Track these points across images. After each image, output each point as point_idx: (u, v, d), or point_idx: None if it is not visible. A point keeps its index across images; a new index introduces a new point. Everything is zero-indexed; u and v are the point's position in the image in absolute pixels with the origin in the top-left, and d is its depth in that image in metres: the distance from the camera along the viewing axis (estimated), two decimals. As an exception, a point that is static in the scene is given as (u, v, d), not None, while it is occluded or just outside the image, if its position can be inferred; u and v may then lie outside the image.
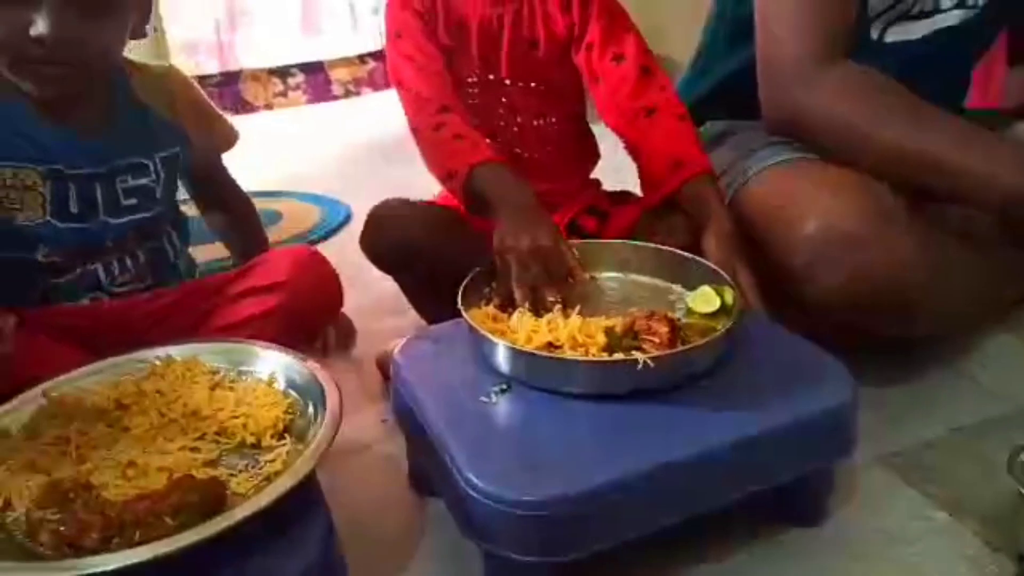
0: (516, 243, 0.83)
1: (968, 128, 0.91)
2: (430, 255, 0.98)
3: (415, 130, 0.99)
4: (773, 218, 0.93)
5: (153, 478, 0.65)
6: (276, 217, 1.84)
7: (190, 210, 1.10)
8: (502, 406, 0.73)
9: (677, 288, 0.89)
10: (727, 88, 1.15)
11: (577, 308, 0.80)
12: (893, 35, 1.01)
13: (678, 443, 0.67)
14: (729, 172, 1.03)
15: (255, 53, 3.08)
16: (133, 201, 0.94)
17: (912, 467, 0.86)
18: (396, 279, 1.09)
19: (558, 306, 0.81)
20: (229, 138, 1.09)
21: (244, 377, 0.80)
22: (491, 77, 1.06)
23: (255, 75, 3.12)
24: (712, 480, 0.69)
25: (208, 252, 1.41)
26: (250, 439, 0.72)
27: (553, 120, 1.10)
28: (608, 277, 0.93)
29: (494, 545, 0.65)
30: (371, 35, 3.27)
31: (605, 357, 0.73)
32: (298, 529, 0.63)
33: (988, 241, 1.01)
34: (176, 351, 0.83)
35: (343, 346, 1.18)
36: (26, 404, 0.75)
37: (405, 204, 1.03)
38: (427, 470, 0.79)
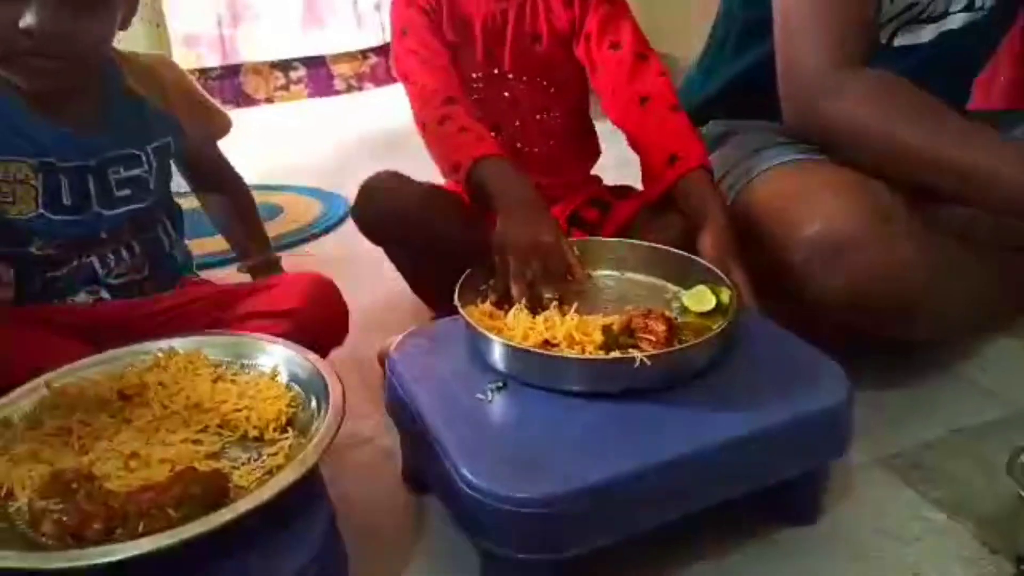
0: (516, 239, 0.83)
1: (991, 132, 0.91)
2: (422, 228, 0.97)
3: (421, 124, 0.99)
4: (775, 218, 0.93)
5: (155, 470, 0.65)
6: (277, 211, 1.83)
7: (188, 204, 1.09)
8: (498, 403, 0.73)
9: (673, 287, 0.90)
10: (735, 87, 1.14)
11: (574, 306, 0.80)
12: (902, 39, 1.01)
13: (673, 441, 0.68)
14: (733, 172, 1.03)
15: (257, 47, 3.08)
16: (126, 192, 0.93)
17: (911, 468, 0.86)
18: (389, 254, 1.08)
19: (555, 303, 0.81)
20: (223, 125, 1.08)
21: (247, 370, 0.80)
22: (495, 72, 1.07)
23: (256, 68, 3.11)
24: (708, 478, 0.69)
25: (206, 246, 1.41)
26: (253, 432, 0.71)
27: (556, 115, 1.10)
28: (604, 275, 0.93)
29: (489, 542, 0.65)
30: (373, 30, 3.27)
31: (602, 355, 0.73)
32: (301, 522, 0.63)
33: (989, 245, 1.01)
34: (179, 343, 0.83)
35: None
36: (28, 394, 0.75)
37: (397, 176, 1.02)
38: (421, 466, 0.79)
